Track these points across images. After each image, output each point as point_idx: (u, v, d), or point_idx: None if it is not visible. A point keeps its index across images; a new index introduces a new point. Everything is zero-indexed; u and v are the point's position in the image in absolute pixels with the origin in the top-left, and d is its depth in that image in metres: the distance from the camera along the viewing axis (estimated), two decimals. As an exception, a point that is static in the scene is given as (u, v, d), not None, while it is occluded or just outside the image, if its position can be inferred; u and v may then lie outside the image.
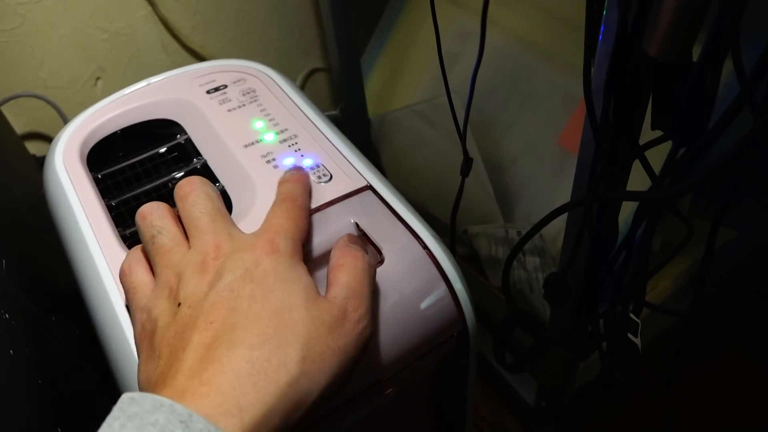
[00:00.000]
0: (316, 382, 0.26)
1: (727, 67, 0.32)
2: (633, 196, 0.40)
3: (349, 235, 0.35)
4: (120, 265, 0.33)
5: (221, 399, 0.24)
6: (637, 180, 0.42)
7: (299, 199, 0.35)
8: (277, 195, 0.35)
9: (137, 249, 0.34)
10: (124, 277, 0.32)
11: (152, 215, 0.33)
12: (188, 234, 0.32)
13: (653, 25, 0.31)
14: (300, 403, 0.26)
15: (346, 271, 0.30)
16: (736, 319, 0.93)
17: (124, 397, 0.24)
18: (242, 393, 0.24)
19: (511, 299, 0.51)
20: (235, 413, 0.24)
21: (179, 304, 0.28)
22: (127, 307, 0.34)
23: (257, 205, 0.38)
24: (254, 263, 0.29)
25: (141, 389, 0.28)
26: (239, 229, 0.32)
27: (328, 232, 0.36)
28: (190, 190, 0.33)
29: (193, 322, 0.27)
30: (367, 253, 0.33)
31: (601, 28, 0.34)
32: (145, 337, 0.29)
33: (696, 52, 0.32)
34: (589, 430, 0.87)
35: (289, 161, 0.41)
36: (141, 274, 0.32)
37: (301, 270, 0.30)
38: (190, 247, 0.31)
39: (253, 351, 0.26)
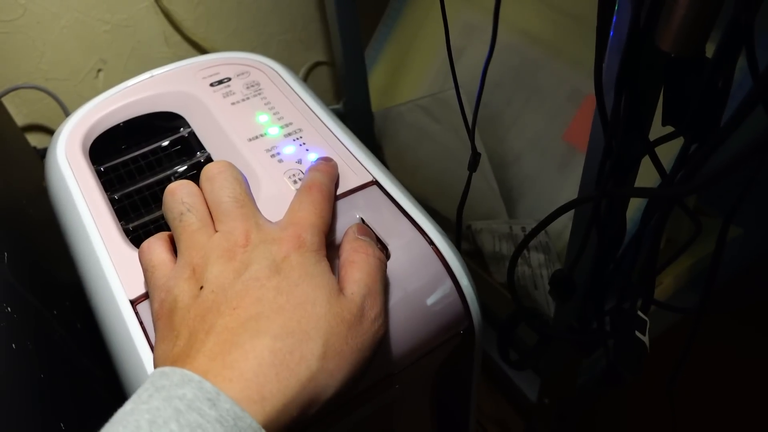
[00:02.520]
0: (333, 378, 0.26)
1: (738, 65, 0.32)
2: (645, 192, 0.40)
3: (359, 226, 0.34)
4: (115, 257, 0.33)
5: (244, 385, 0.24)
6: (643, 176, 0.42)
7: (325, 190, 0.34)
8: (304, 181, 0.35)
9: (160, 233, 0.34)
10: (143, 255, 0.32)
11: (182, 192, 0.32)
12: (214, 217, 0.32)
13: (667, 18, 0.30)
14: (316, 399, 0.26)
15: (359, 269, 0.30)
16: (738, 318, 0.92)
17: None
18: (264, 382, 0.25)
19: (516, 296, 0.51)
20: (257, 400, 0.24)
21: (201, 287, 0.28)
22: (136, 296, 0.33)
23: (261, 199, 0.38)
24: (282, 256, 0.29)
25: (156, 366, 0.28)
26: (264, 217, 0.32)
27: (332, 227, 0.36)
28: (218, 171, 0.33)
29: (216, 307, 0.27)
30: (377, 243, 0.33)
31: (613, 21, 0.34)
32: (163, 315, 0.29)
33: (707, 49, 0.32)
34: (592, 427, 0.87)
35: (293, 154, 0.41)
36: (161, 252, 0.32)
37: (326, 266, 0.30)
38: (216, 231, 0.31)
39: (276, 342, 0.26)
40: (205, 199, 0.33)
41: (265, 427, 0.24)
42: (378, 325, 0.29)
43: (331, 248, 0.33)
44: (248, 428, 0.23)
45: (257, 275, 0.28)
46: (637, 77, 0.34)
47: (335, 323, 0.27)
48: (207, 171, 0.33)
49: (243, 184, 0.33)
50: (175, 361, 0.26)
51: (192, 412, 0.23)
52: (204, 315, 0.27)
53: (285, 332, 0.26)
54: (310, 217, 0.32)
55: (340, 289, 0.29)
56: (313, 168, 0.37)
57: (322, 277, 0.29)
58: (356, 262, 0.31)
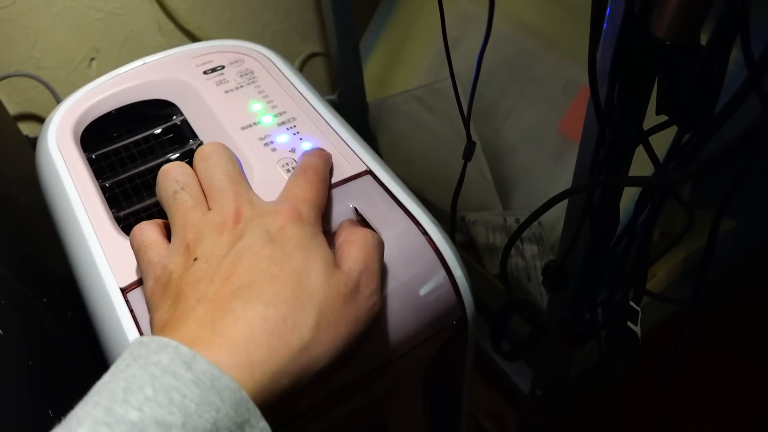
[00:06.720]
0: (326, 350, 0.26)
1: (732, 56, 0.31)
2: (637, 181, 0.40)
3: (352, 220, 0.35)
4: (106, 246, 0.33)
5: (232, 350, 0.24)
6: (637, 168, 0.42)
7: (321, 172, 0.35)
8: (299, 165, 0.35)
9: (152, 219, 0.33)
10: (134, 236, 0.32)
11: (176, 171, 0.33)
12: (207, 195, 0.32)
13: (662, 5, 0.30)
14: (309, 370, 0.26)
15: (356, 248, 0.30)
16: (732, 311, 0.93)
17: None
18: (255, 348, 0.24)
19: (509, 287, 0.51)
20: (246, 366, 0.24)
21: (195, 259, 0.28)
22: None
23: (254, 187, 0.37)
24: (277, 227, 0.29)
25: None
26: (258, 196, 0.32)
27: (326, 216, 0.36)
28: (212, 151, 0.33)
29: (209, 276, 0.27)
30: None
31: (608, 9, 0.34)
32: (158, 290, 0.29)
33: (703, 39, 0.32)
34: (584, 418, 0.87)
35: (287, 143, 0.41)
36: (153, 233, 0.32)
37: (322, 240, 0.30)
38: (209, 209, 0.31)
39: (268, 308, 0.25)
40: (198, 180, 0.33)
41: (255, 394, 0.23)
42: (373, 302, 0.29)
43: (326, 236, 0.33)
44: (225, 389, 0.22)
45: (250, 243, 0.28)
46: (631, 65, 0.34)
47: (330, 295, 0.27)
48: (201, 151, 0.34)
49: (236, 163, 0.33)
50: (164, 327, 0.26)
51: (167, 376, 0.22)
52: (196, 283, 0.27)
53: (278, 299, 0.26)
54: (307, 193, 0.32)
55: (337, 265, 0.29)
56: (306, 153, 0.37)
57: (318, 249, 0.29)
58: (354, 241, 0.30)
